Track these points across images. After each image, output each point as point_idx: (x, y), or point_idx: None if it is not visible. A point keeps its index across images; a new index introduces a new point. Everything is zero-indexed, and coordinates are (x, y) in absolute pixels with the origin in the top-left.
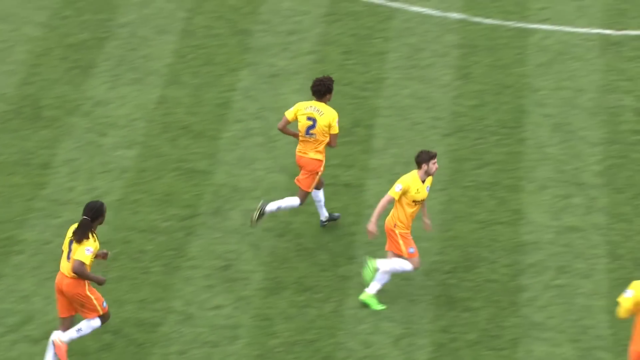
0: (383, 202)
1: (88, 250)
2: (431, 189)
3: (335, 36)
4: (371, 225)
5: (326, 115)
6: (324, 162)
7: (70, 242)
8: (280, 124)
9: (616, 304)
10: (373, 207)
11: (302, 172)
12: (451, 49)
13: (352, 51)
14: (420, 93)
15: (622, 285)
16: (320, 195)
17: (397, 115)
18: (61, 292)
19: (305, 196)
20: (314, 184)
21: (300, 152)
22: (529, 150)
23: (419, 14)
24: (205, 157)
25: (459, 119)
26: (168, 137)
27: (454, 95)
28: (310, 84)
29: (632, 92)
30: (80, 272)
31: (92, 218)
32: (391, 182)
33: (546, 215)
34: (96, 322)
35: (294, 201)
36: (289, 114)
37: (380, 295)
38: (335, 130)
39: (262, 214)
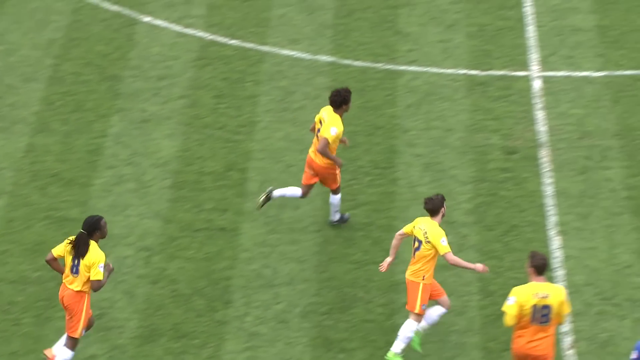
0: (457, 259)
1: (101, 267)
2: (306, 231)
3: (206, 80)
4: (481, 266)
5: (327, 123)
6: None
7: (74, 258)
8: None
9: (490, 339)
10: (249, 250)
11: (312, 173)
12: (322, 92)
13: (223, 95)
14: (293, 135)
15: (495, 321)
16: (284, 191)
17: (271, 158)
18: (62, 302)
19: (337, 188)
20: (337, 182)
21: (311, 152)
22: (401, 190)
23: (289, 57)
24: (77, 205)
25: None
26: (37, 185)
27: None
28: (182, 129)
29: (499, 131)
30: (99, 288)
31: (88, 232)
32: (266, 225)
33: None
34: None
35: (297, 191)
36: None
37: (256, 339)
38: (328, 135)
39: (268, 198)
